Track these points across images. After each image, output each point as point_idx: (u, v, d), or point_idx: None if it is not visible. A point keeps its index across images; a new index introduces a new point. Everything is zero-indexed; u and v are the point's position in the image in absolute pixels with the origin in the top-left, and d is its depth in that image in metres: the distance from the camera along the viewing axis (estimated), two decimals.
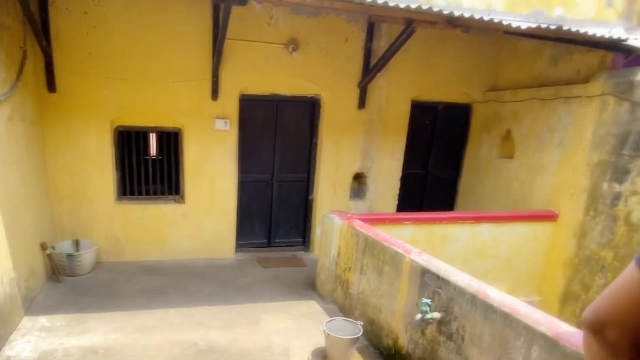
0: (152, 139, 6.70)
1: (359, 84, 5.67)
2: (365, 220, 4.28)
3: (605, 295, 0.72)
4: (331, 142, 5.79)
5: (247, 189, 5.82)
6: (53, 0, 4.51)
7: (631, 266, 0.69)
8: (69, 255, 4.85)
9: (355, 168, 5.99)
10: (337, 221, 4.42)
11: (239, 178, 5.66)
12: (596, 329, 0.71)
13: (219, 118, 5.31)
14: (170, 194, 5.60)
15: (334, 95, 5.64)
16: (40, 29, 4.28)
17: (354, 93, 5.70)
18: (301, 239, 6.23)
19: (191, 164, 5.42)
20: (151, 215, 5.48)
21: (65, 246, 5.07)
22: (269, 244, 6.12)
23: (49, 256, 4.67)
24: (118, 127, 5.16)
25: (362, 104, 5.74)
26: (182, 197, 5.56)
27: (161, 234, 5.55)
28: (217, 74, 5.06)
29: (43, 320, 3.84)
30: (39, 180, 4.69)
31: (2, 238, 3.47)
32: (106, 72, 4.81)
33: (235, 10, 4.23)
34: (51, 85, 4.68)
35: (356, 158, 5.94)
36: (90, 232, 5.28)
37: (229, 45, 4.89)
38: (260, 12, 5.09)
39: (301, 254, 6.11)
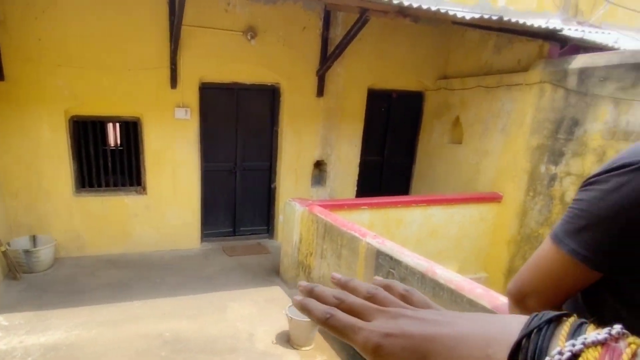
0: (110, 128, 6.52)
1: (317, 72, 5.73)
2: (325, 207, 4.42)
3: (525, 268, 0.79)
4: (292, 130, 5.86)
5: (210, 178, 5.81)
6: None
7: (546, 241, 0.75)
8: (26, 252, 4.71)
9: (316, 155, 6.10)
10: (298, 208, 4.52)
11: (202, 167, 5.64)
12: (518, 299, 0.78)
13: (179, 107, 5.24)
14: (131, 184, 5.51)
15: (293, 84, 5.68)
16: None
17: (313, 81, 5.76)
18: (265, 227, 6.33)
19: (152, 153, 5.34)
20: (112, 208, 5.39)
21: (21, 242, 4.91)
22: (234, 233, 6.18)
23: (4, 253, 4.53)
24: (73, 117, 4.99)
25: (320, 92, 5.82)
26: (144, 188, 5.48)
27: (123, 226, 5.47)
28: (175, 61, 4.95)
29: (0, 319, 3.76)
30: None
31: None
32: (58, 60, 4.63)
33: None
34: None
35: (316, 145, 6.05)
36: (48, 227, 5.14)
37: (186, 31, 4.81)
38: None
39: (266, 241, 6.22)
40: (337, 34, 5.59)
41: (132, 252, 5.52)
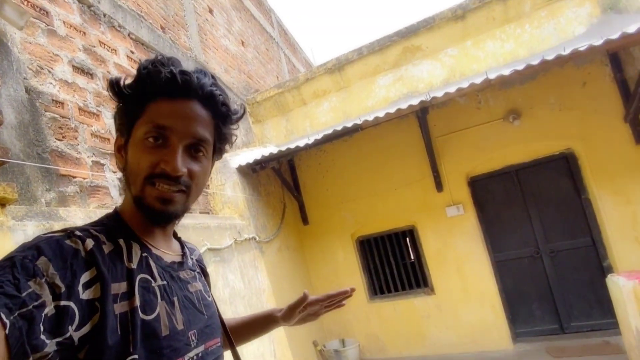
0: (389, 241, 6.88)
1: (625, 118, 4.08)
2: None
3: None
4: (609, 192, 4.34)
5: (507, 268, 4.94)
6: (299, 164, 5.50)
7: None
8: (336, 351, 5.15)
9: None
10: (624, 284, 3.25)
11: (492, 259, 4.92)
12: None
13: (449, 206, 4.85)
14: (418, 286, 5.33)
15: (590, 143, 4.35)
16: (292, 186, 5.39)
17: (621, 130, 4.23)
18: (611, 319, 4.68)
19: (432, 254, 5.09)
20: (403, 310, 5.33)
21: (333, 344, 5.45)
22: (562, 330, 4.82)
23: (320, 352, 5.09)
24: (358, 237, 5.43)
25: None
26: (432, 289, 5.19)
27: (417, 327, 5.28)
28: (437, 168, 4.69)
29: None
30: (304, 290, 5.35)
31: (283, 337, 4.00)
32: (341, 199, 5.34)
33: (437, 112, 4.32)
34: (305, 220, 5.49)
35: None
36: (351, 331, 5.53)
37: (440, 141, 4.73)
38: (465, 102, 4.62)
39: (617, 338, 4.59)
40: (638, 68, 3.92)
41: (432, 354, 5.20)
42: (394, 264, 5.38)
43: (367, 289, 5.47)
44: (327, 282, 5.53)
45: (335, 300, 1.16)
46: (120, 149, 0.75)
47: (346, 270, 5.45)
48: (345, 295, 1.15)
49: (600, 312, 4.57)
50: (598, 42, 3.18)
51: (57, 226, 1.93)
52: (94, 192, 2.49)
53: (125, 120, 0.73)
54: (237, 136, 0.87)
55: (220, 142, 0.80)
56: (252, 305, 3.54)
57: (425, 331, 5.26)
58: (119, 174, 0.78)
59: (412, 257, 5.45)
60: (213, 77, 0.76)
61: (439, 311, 5.17)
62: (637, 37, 3.13)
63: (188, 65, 0.77)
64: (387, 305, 5.40)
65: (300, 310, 1.11)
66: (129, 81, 0.72)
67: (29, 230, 1.75)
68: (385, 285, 5.46)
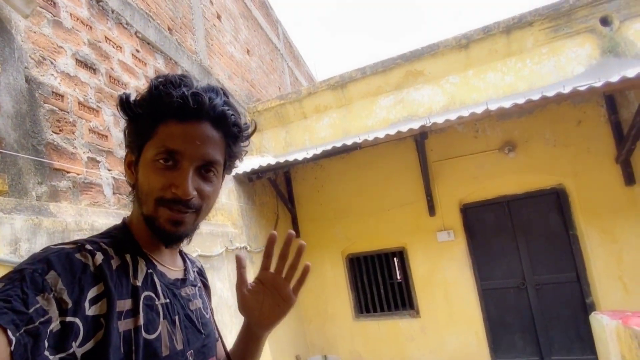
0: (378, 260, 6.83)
1: (617, 159, 4.12)
2: None
3: None
4: (597, 230, 4.38)
5: (493, 297, 4.92)
6: (295, 177, 5.49)
7: None
8: None
9: None
10: (608, 322, 3.27)
11: (478, 286, 4.89)
12: None
13: (440, 231, 4.84)
14: (404, 308, 5.28)
15: (581, 181, 4.41)
16: (287, 198, 5.34)
17: (612, 170, 4.28)
18: (592, 356, 4.68)
19: (420, 277, 5.06)
20: (388, 331, 5.25)
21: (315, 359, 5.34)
22: None
23: None
24: (348, 255, 5.39)
25: (629, 179, 4.19)
26: (417, 312, 5.14)
27: (401, 349, 5.21)
28: (430, 192, 4.70)
29: None
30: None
31: (266, 351, 3.89)
32: (334, 215, 5.30)
33: (435, 138, 4.37)
34: (297, 233, 5.38)
35: None
36: (335, 348, 5.42)
37: (436, 166, 4.76)
38: (463, 130, 4.68)
39: None
40: (632, 112, 3.98)
41: None
42: (382, 284, 5.32)
43: (353, 307, 5.40)
44: (314, 297, 5.44)
45: (284, 262, 0.83)
46: (131, 165, 0.75)
47: (334, 287, 5.38)
48: (289, 243, 0.81)
49: (580, 347, 4.57)
50: (598, 83, 3.25)
51: (47, 222, 1.83)
52: (87, 189, 2.39)
53: (136, 139, 0.73)
54: (247, 152, 0.85)
55: (231, 160, 0.80)
56: (238, 315, 3.38)
57: (409, 353, 5.18)
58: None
59: (400, 279, 5.39)
60: (225, 94, 0.74)
61: (423, 334, 5.11)
62: (636, 82, 3.20)
63: (200, 84, 0.74)
64: (372, 324, 5.33)
65: (250, 290, 0.82)
66: (138, 98, 0.72)
67: (16, 224, 1.66)
68: (372, 304, 5.39)
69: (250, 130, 0.81)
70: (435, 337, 5.05)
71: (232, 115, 0.74)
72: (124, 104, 0.71)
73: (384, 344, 5.28)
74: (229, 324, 3.27)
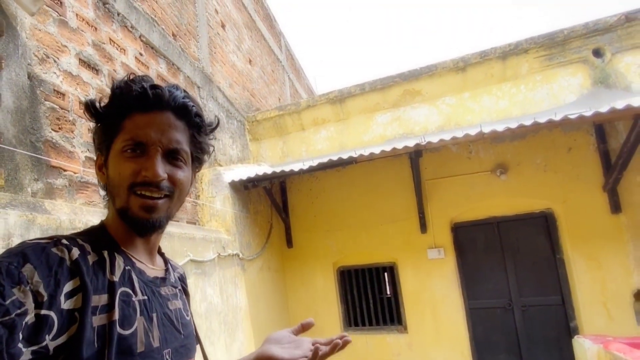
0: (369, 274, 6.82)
1: (604, 187, 4.18)
2: (632, 344, 2.97)
3: None
4: (583, 256, 4.42)
5: (480, 317, 4.91)
6: (290, 187, 5.48)
7: None
8: None
9: (636, 283, 4.28)
10: (589, 346, 3.29)
11: (466, 305, 4.88)
12: None
13: (431, 248, 4.85)
14: (392, 323, 5.24)
15: (570, 207, 4.46)
16: (281, 207, 5.31)
17: (600, 198, 4.34)
18: None
19: (409, 293, 5.03)
20: (375, 345, 5.19)
21: None
22: None
23: None
24: (340, 267, 5.36)
25: (616, 207, 4.25)
26: (405, 327, 5.10)
27: None
28: (423, 210, 4.72)
29: None
30: (281, 313, 5.22)
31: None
32: (327, 227, 5.28)
33: (430, 156, 4.43)
34: (289, 242, 5.41)
35: (630, 271, 4.28)
36: None
37: (429, 184, 4.79)
38: (457, 151, 4.76)
39: None
40: (620, 142, 4.06)
41: None
42: (371, 298, 5.29)
43: (342, 320, 5.34)
44: (304, 307, 5.39)
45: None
46: (101, 167, 0.76)
47: (324, 298, 5.33)
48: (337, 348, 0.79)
49: None
50: (588, 113, 3.32)
51: (41, 218, 1.80)
52: (83, 188, 2.36)
53: (104, 139, 0.74)
54: (214, 147, 0.88)
55: (197, 152, 0.81)
56: (227, 322, 3.37)
57: None
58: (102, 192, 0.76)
59: (390, 294, 5.37)
60: (186, 91, 0.77)
61: (409, 350, 5.06)
62: (624, 113, 3.28)
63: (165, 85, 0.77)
64: (360, 338, 5.27)
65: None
66: (103, 100, 0.74)
67: (10, 219, 1.62)
68: (361, 318, 5.35)
69: (214, 125, 0.83)
70: (421, 353, 5.01)
71: (193, 105, 0.76)
72: (90, 107, 0.73)
73: (370, 358, 5.22)
74: (217, 331, 3.21)
